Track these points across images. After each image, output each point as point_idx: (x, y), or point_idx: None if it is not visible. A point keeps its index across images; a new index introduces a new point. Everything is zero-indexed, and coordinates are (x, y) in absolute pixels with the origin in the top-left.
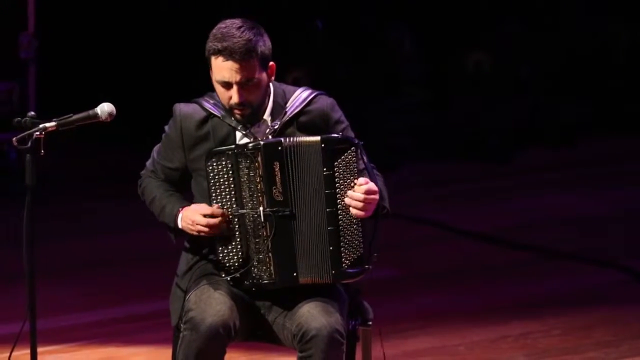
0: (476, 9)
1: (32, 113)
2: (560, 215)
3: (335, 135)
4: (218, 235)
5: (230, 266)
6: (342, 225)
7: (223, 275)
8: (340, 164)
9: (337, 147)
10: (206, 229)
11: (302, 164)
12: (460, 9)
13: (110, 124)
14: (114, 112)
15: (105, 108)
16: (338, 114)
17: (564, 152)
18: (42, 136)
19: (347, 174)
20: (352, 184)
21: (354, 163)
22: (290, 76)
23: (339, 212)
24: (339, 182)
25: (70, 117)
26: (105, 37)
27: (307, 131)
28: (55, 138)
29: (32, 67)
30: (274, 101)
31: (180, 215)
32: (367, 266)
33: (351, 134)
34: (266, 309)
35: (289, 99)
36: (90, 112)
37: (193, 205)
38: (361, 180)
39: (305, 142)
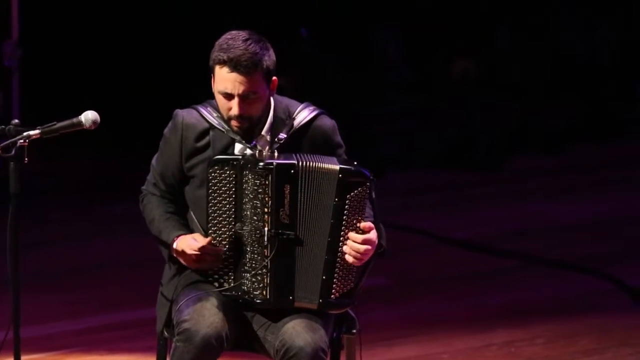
0: (464, 14)
1: (16, 121)
2: (546, 222)
3: (352, 167)
4: (207, 268)
5: (221, 275)
6: (339, 257)
7: (212, 283)
8: (353, 197)
9: (354, 180)
10: (194, 264)
11: (312, 189)
12: (448, 14)
13: (94, 132)
14: (98, 120)
15: (89, 116)
16: (338, 137)
17: (552, 159)
18: (26, 144)
19: (356, 208)
20: (358, 220)
21: (364, 199)
22: None
23: (340, 243)
24: (346, 215)
25: (54, 125)
26: (89, 45)
27: (306, 148)
28: (40, 146)
29: (16, 75)
30: (274, 116)
31: (174, 245)
32: (352, 300)
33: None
34: (249, 318)
35: (293, 112)
36: (74, 120)
37: (188, 237)
38: (365, 224)
39: (322, 168)
